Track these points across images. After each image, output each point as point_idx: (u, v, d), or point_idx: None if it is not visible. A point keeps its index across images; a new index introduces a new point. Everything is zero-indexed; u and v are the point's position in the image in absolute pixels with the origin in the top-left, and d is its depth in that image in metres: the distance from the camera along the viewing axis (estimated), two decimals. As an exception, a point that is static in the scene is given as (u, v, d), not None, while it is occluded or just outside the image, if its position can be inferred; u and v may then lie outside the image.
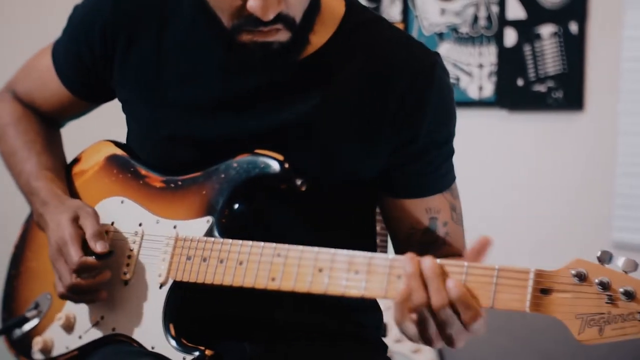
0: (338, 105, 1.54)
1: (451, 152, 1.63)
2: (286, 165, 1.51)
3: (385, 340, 3.12)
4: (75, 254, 1.55)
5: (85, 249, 1.57)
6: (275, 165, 1.51)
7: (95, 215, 1.61)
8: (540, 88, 3.36)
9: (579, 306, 1.19)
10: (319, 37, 1.56)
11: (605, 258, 1.19)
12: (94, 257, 1.55)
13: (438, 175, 1.61)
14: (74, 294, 1.57)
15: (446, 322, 1.31)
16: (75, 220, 1.59)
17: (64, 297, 1.59)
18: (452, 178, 1.64)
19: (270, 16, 1.42)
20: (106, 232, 1.62)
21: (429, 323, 1.32)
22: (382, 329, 1.82)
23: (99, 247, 1.55)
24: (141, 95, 1.63)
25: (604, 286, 1.17)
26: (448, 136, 1.61)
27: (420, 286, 1.31)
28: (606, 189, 3.28)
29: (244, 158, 1.54)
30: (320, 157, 1.55)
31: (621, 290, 1.14)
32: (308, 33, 1.52)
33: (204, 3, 1.49)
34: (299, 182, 1.52)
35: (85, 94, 1.76)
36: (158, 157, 1.64)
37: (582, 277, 1.20)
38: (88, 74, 1.70)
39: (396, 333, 3.19)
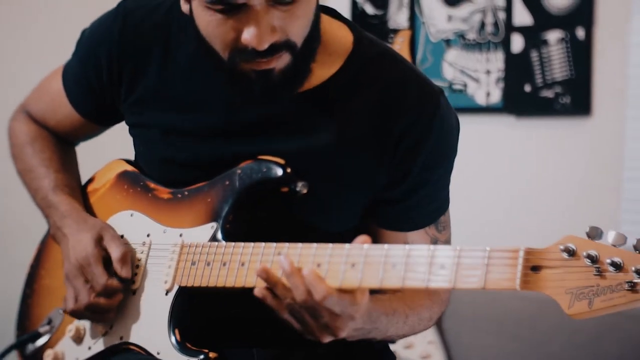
0: (341, 137, 1.56)
1: (444, 187, 1.64)
2: (288, 169, 1.53)
3: (394, 346, 3.12)
4: (101, 276, 1.59)
5: (107, 270, 1.60)
6: (277, 169, 1.54)
7: (120, 238, 1.64)
8: (548, 94, 3.36)
9: (568, 281, 1.19)
10: (326, 70, 1.57)
11: (594, 234, 1.19)
12: (117, 280, 1.60)
13: (424, 212, 1.62)
14: (90, 312, 1.60)
15: (316, 313, 1.36)
16: (99, 240, 1.63)
17: (75, 313, 1.62)
18: (442, 211, 1.64)
19: (265, 45, 1.42)
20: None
21: (304, 317, 1.38)
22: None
23: (124, 272, 1.60)
24: (147, 122, 1.66)
25: (592, 259, 1.17)
26: (442, 174, 1.62)
27: (283, 286, 1.38)
28: (613, 194, 3.28)
29: (247, 164, 1.56)
30: (319, 189, 1.56)
31: (608, 261, 1.14)
32: (310, 62, 1.52)
33: (202, 40, 1.50)
34: (300, 185, 1.54)
35: (95, 118, 1.79)
36: (164, 177, 1.67)
37: (571, 252, 1.20)
38: (97, 98, 1.73)
39: (405, 339, 3.18)
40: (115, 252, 1.61)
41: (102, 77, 1.69)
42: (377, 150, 1.56)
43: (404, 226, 1.61)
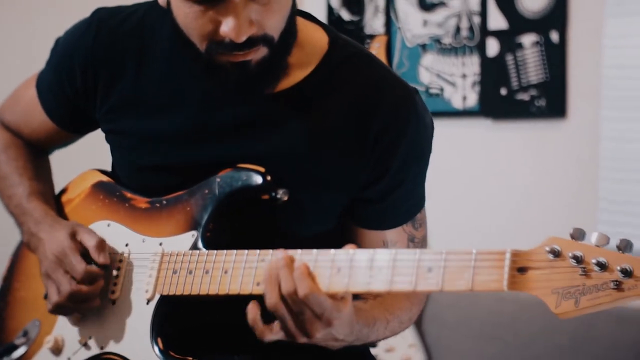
0: (317, 138, 1.57)
1: (420, 185, 1.65)
2: (268, 177, 1.54)
3: (375, 350, 3.13)
4: (79, 263, 1.59)
5: (85, 259, 1.60)
6: (257, 178, 1.54)
7: (93, 232, 1.64)
8: (524, 97, 3.39)
9: (554, 281, 1.21)
10: (301, 70, 1.58)
11: (578, 235, 1.21)
12: (96, 266, 1.60)
13: (400, 211, 1.63)
14: (72, 302, 1.60)
15: (298, 311, 1.37)
16: (73, 235, 1.63)
17: (59, 307, 1.62)
18: (418, 208, 1.66)
19: (243, 38, 1.43)
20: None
21: (285, 315, 1.39)
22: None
23: (101, 258, 1.60)
24: (123, 128, 1.66)
25: (578, 259, 1.19)
26: (418, 172, 1.63)
27: (273, 280, 1.39)
28: (590, 195, 3.31)
29: (226, 173, 1.56)
30: (295, 186, 1.56)
31: (594, 261, 1.17)
32: (286, 55, 1.53)
33: (179, 31, 1.50)
34: (280, 192, 1.55)
35: (69, 126, 1.78)
36: (142, 184, 1.67)
37: (556, 253, 1.22)
38: (71, 106, 1.73)
39: (386, 342, 3.20)
40: (90, 242, 1.61)
41: (76, 85, 1.69)
42: (353, 150, 1.57)
43: (382, 225, 1.62)
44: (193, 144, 1.60)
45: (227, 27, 1.43)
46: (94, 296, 1.60)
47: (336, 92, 1.57)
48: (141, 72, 1.64)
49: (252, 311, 1.41)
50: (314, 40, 1.60)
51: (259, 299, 1.43)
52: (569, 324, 2.99)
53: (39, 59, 1.86)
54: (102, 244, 1.61)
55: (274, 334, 1.42)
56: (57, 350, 1.67)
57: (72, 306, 1.61)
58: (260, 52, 1.47)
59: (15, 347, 1.72)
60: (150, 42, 1.64)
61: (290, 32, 1.52)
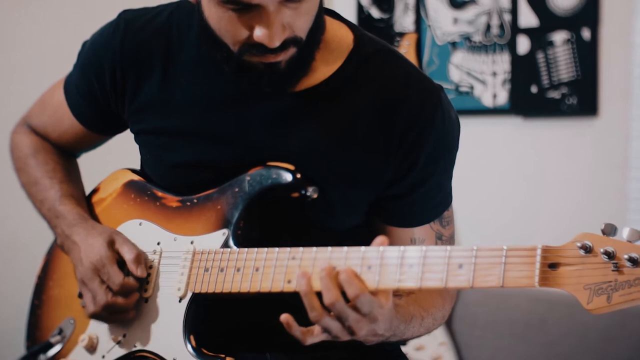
0: (344, 134, 1.57)
1: (447, 181, 1.65)
2: (298, 175, 1.55)
3: (406, 348, 3.14)
4: (117, 275, 1.60)
5: (122, 271, 1.62)
6: (287, 175, 1.55)
7: (131, 242, 1.65)
8: (554, 95, 3.37)
9: (586, 277, 1.20)
10: (328, 67, 1.59)
11: (609, 230, 1.21)
12: (133, 279, 1.61)
13: (428, 207, 1.63)
14: (108, 312, 1.61)
15: (342, 315, 1.38)
16: (111, 244, 1.64)
17: (95, 316, 1.63)
18: (445, 206, 1.66)
19: (277, 44, 1.45)
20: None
21: (330, 323, 1.40)
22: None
23: (139, 271, 1.61)
24: (152, 128, 1.68)
25: (609, 255, 1.18)
26: (444, 169, 1.63)
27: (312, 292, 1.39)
28: (620, 194, 3.28)
29: (256, 171, 1.57)
30: (322, 182, 1.57)
31: (626, 257, 1.16)
32: (314, 50, 1.55)
33: (209, 31, 1.52)
34: (310, 190, 1.55)
35: (98, 128, 1.80)
36: (173, 183, 1.68)
37: (587, 249, 1.21)
38: (100, 108, 1.74)
39: (416, 341, 3.19)
40: (128, 254, 1.62)
41: (105, 86, 1.70)
42: (380, 147, 1.57)
43: (409, 222, 1.62)
44: (222, 142, 1.61)
45: (261, 32, 1.44)
46: (129, 308, 1.62)
47: (362, 88, 1.58)
48: (168, 72, 1.65)
49: (287, 322, 1.42)
50: (339, 38, 1.61)
51: (291, 297, 1.44)
52: (599, 324, 2.97)
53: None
54: (139, 257, 1.62)
55: (315, 336, 1.43)
56: (91, 348, 1.68)
57: (107, 316, 1.63)
58: (289, 53, 1.49)
59: (50, 345, 1.74)
60: (177, 42, 1.65)
61: (317, 29, 1.54)
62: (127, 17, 1.70)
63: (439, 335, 3.22)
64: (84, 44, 1.78)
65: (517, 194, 3.50)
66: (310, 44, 1.52)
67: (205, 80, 1.63)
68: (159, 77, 1.65)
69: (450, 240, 1.66)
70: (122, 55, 1.67)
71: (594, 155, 3.35)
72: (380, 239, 1.40)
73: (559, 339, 3.08)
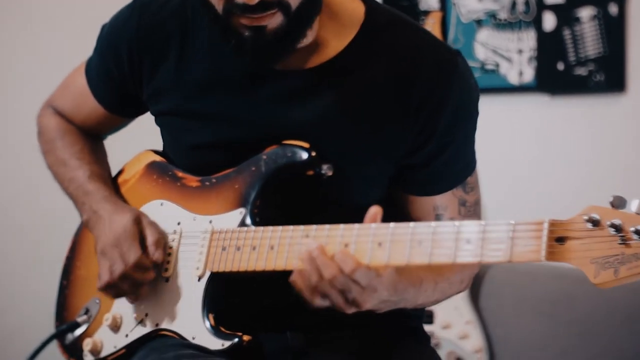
0: (360, 108, 1.57)
1: (468, 147, 1.64)
2: (313, 153, 1.55)
3: (432, 327, 3.13)
4: (137, 250, 1.63)
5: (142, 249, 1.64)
6: (302, 154, 1.56)
7: (156, 225, 1.68)
8: (581, 71, 3.34)
9: (593, 250, 1.20)
10: (340, 41, 1.58)
11: (618, 203, 1.20)
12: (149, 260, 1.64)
13: (449, 174, 1.62)
14: (124, 283, 1.63)
15: (345, 289, 1.40)
16: (137, 222, 1.66)
17: (108, 286, 1.65)
18: (468, 172, 1.64)
19: (255, 0, 1.45)
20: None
21: (332, 294, 1.41)
22: (424, 317, 1.83)
23: (157, 255, 1.64)
24: (169, 110, 1.69)
25: (617, 228, 1.17)
26: (466, 134, 1.63)
27: (313, 268, 1.40)
28: (649, 171, 3.26)
29: (272, 150, 1.58)
30: (339, 158, 1.58)
31: (632, 229, 1.15)
32: (306, 27, 1.54)
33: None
34: (325, 167, 1.56)
35: (120, 111, 1.83)
36: (192, 163, 1.70)
37: (595, 222, 1.20)
38: (120, 91, 1.77)
39: (442, 319, 3.19)
40: (150, 236, 1.65)
41: (124, 69, 1.72)
42: (398, 117, 1.57)
43: (431, 190, 1.62)
44: (238, 122, 1.62)
45: None
46: (144, 283, 1.64)
47: (376, 60, 1.57)
48: (184, 54, 1.66)
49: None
50: (350, 11, 1.60)
51: None
52: (626, 301, 2.96)
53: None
54: (160, 241, 1.65)
55: (322, 301, 1.44)
56: (115, 327, 1.71)
57: (122, 287, 1.65)
58: (275, 19, 1.49)
59: (77, 325, 1.79)
60: (192, 24, 1.66)
61: (312, 3, 1.53)
62: (143, 1, 1.72)
63: (466, 313, 3.21)
64: (103, 28, 1.80)
65: (544, 171, 3.48)
66: (300, 18, 1.51)
67: (221, 60, 1.63)
68: (175, 59, 1.67)
69: (474, 206, 1.65)
70: (138, 39, 1.69)
71: (622, 132, 3.31)
72: (374, 209, 1.41)
73: (586, 316, 3.07)
